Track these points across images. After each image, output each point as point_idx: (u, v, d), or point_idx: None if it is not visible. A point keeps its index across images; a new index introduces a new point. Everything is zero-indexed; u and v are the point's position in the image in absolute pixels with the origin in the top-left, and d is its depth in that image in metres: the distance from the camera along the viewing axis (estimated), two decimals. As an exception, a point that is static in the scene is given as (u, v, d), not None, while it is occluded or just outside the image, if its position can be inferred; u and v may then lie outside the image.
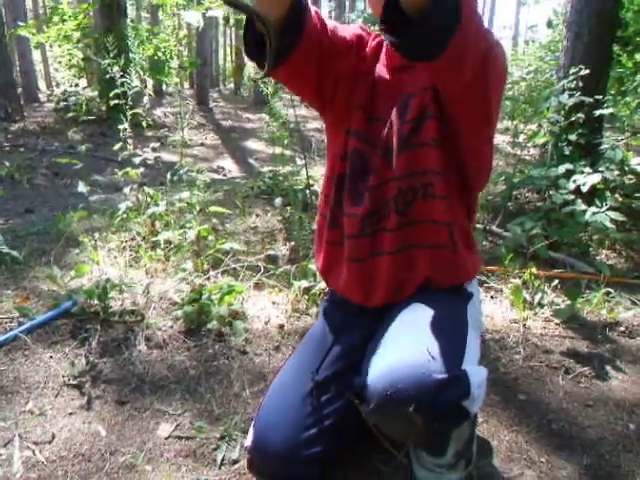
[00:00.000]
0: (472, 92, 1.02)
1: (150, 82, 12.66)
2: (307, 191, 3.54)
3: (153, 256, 2.49)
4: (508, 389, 1.72)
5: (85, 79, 11.86)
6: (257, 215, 3.51)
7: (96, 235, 2.62)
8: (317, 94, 1.24)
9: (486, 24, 0.99)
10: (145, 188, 2.91)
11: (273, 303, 2.23)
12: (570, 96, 3.41)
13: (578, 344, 2.00)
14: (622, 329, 2.12)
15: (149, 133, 7.09)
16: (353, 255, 1.28)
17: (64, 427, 1.48)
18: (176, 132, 7.50)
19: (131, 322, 1.98)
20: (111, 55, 3.41)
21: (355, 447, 1.35)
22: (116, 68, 3.14)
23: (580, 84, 3.41)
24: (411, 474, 1.22)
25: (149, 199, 2.84)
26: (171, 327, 1.97)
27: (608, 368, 1.85)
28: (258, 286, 2.36)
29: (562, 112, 3.49)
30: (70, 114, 7.99)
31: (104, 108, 8.21)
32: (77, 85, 9.75)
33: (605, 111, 3.47)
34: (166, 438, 1.45)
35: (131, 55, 8.24)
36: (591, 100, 3.35)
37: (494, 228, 3.23)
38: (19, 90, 9.20)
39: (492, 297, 2.38)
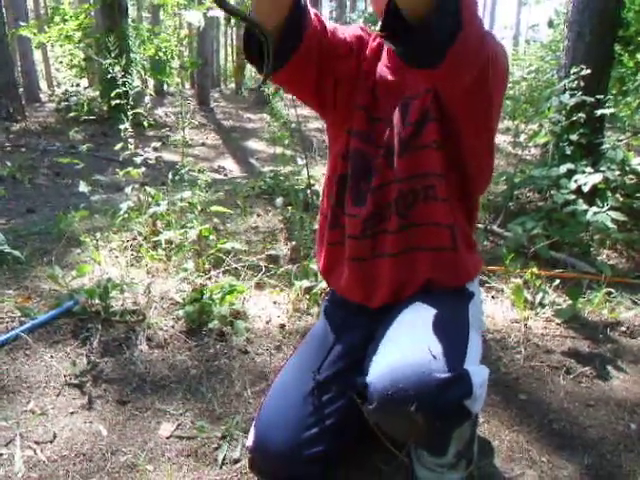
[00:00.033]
0: (473, 95, 1.02)
1: (151, 82, 12.68)
2: (308, 191, 3.54)
3: (154, 256, 2.49)
4: (509, 389, 1.72)
5: (86, 79, 11.86)
6: (258, 215, 3.51)
7: (97, 235, 2.62)
8: (316, 96, 1.23)
9: (487, 24, 0.99)
10: (146, 188, 2.91)
11: (274, 303, 2.23)
12: (571, 96, 3.41)
13: (579, 344, 2.00)
14: (623, 329, 2.11)
15: (150, 133, 7.09)
16: (354, 255, 1.28)
17: (65, 426, 1.48)
18: (177, 132, 7.49)
19: (132, 322, 1.98)
20: (112, 55, 3.41)
21: (356, 447, 1.35)
22: (117, 68, 3.15)
23: (581, 84, 3.41)
24: (412, 474, 1.22)
25: (150, 199, 2.84)
26: (172, 327, 1.98)
27: (609, 368, 1.85)
28: (259, 286, 2.36)
29: (563, 112, 3.49)
30: (71, 114, 7.98)
31: (105, 108, 8.22)
32: (78, 85, 9.76)
33: (606, 111, 3.47)
34: (167, 438, 1.45)
35: (132, 55, 8.24)
36: (592, 100, 3.35)
37: (495, 228, 3.23)
38: (20, 90, 9.21)
39: (493, 297, 2.38)
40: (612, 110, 3.59)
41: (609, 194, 3.21)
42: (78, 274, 2.17)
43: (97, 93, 8.94)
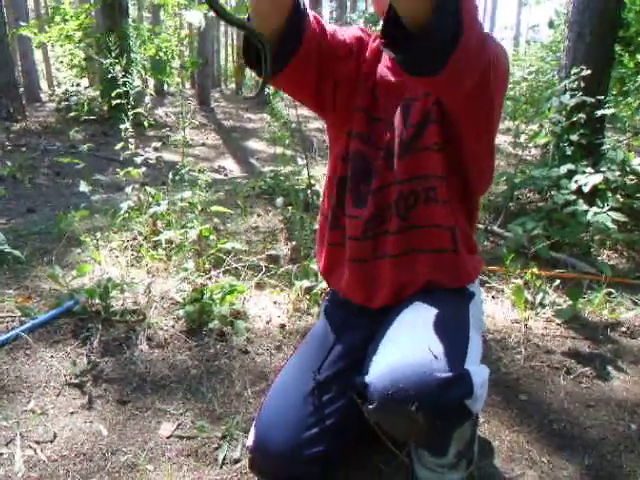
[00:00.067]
0: (474, 100, 1.02)
1: (152, 82, 12.69)
2: (308, 191, 3.54)
3: (155, 256, 2.49)
4: (509, 389, 1.72)
5: (87, 79, 11.85)
6: (258, 215, 3.51)
7: (98, 235, 2.63)
8: (316, 98, 1.23)
9: (487, 25, 0.99)
10: (147, 188, 2.92)
11: (274, 303, 2.23)
12: (572, 96, 3.41)
13: (579, 344, 2.00)
14: (623, 329, 2.11)
15: (151, 133, 7.10)
16: (354, 256, 1.28)
17: (65, 426, 1.48)
18: (177, 132, 7.49)
19: (132, 321, 1.98)
20: (113, 55, 3.41)
21: (357, 447, 1.35)
22: (118, 68, 3.15)
23: (582, 84, 3.41)
24: (412, 474, 1.22)
25: (151, 199, 2.85)
26: (172, 327, 1.98)
27: (609, 368, 1.85)
28: (259, 286, 2.36)
29: (564, 112, 3.49)
30: (72, 114, 7.98)
31: (106, 108, 8.23)
32: (79, 85, 9.76)
33: (607, 111, 3.47)
34: (167, 437, 1.45)
35: (133, 55, 8.25)
36: (593, 100, 3.35)
37: (495, 228, 3.23)
38: (21, 90, 9.22)
39: (493, 297, 2.38)
40: (612, 110, 3.59)
41: (609, 194, 3.21)
42: (78, 274, 2.17)
43: (97, 93, 8.94)
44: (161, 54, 9.88)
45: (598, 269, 2.56)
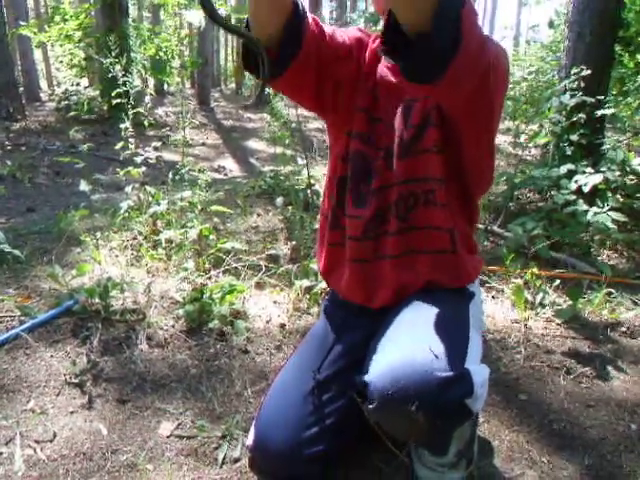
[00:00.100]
0: (474, 103, 1.02)
1: (151, 82, 12.69)
2: (308, 191, 3.54)
3: (154, 255, 2.49)
4: (509, 389, 1.72)
5: (86, 78, 11.86)
6: (258, 214, 3.51)
7: (98, 234, 2.63)
8: (316, 100, 1.23)
9: (487, 24, 0.99)
10: (147, 187, 2.91)
11: (274, 302, 2.23)
12: (572, 96, 3.41)
13: (579, 344, 2.00)
14: (623, 329, 2.11)
15: (151, 132, 7.09)
16: (355, 256, 1.28)
17: (65, 426, 1.48)
18: (177, 131, 7.49)
19: (132, 321, 1.98)
20: (113, 54, 3.41)
21: (356, 446, 1.35)
22: (118, 67, 3.14)
23: (582, 84, 3.41)
24: (412, 473, 1.22)
25: (150, 198, 2.85)
26: (172, 326, 1.98)
27: (609, 368, 1.85)
28: (259, 285, 2.36)
29: (564, 112, 3.49)
30: (72, 113, 8.00)
31: (105, 107, 8.23)
32: (78, 84, 9.76)
33: (607, 111, 3.47)
34: (167, 437, 1.45)
35: (133, 55, 8.25)
36: (593, 100, 3.35)
37: (495, 228, 3.23)
38: (21, 89, 9.22)
39: (493, 297, 2.38)
40: (612, 110, 3.59)
41: (609, 194, 3.21)
42: (78, 273, 2.17)
43: (97, 92, 8.94)
44: (161, 54, 9.88)
45: (598, 269, 2.56)
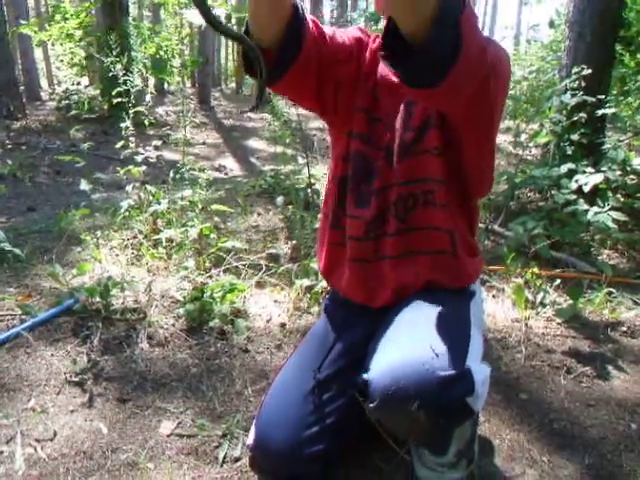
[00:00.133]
0: (474, 106, 1.01)
1: (152, 81, 12.68)
2: (309, 190, 3.54)
3: (155, 254, 2.49)
4: (510, 388, 1.72)
5: (87, 77, 11.87)
6: (259, 214, 3.51)
7: (98, 233, 2.63)
8: (317, 102, 1.23)
9: (488, 23, 0.98)
10: (147, 186, 2.91)
11: (275, 301, 2.23)
12: (572, 96, 3.40)
13: (580, 344, 2.00)
14: (624, 329, 2.11)
15: (151, 131, 7.09)
16: (355, 256, 1.28)
17: (66, 424, 1.48)
18: (178, 131, 7.50)
19: (133, 320, 1.98)
20: (113, 53, 3.41)
21: (357, 445, 1.35)
22: (118, 66, 3.15)
23: (582, 84, 3.40)
24: (412, 473, 1.22)
25: (151, 197, 2.84)
26: (173, 325, 1.98)
27: (610, 368, 1.85)
28: (260, 284, 2.36)
29: (564, 112, 3.48)
30: (72, 112, 8.00)
31: (106, 106, 8.22)
32: (79, 83, 9.76)
33: (607, 111, 3.46)
34: (168, 436, 1.45)
35: (133, 54, 8.24)
36: (593, 100, 3.35)
37: (496, 227, 3.23)
38: (21, 88, 9.21)
39: (494, 296, 2.37)
40: (613, 110, 3.59)
41: (610, 194, 3.21)
42: (79, 272, 2.17)
43: (98, 92, 8.94)
44: (162, 53, 9.87)
45: (598, 269, 2.56)
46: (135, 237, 2.72)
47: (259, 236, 3.08)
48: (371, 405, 1.00)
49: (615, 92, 4.41)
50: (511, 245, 2.78)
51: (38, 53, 17.08)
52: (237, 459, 1.37)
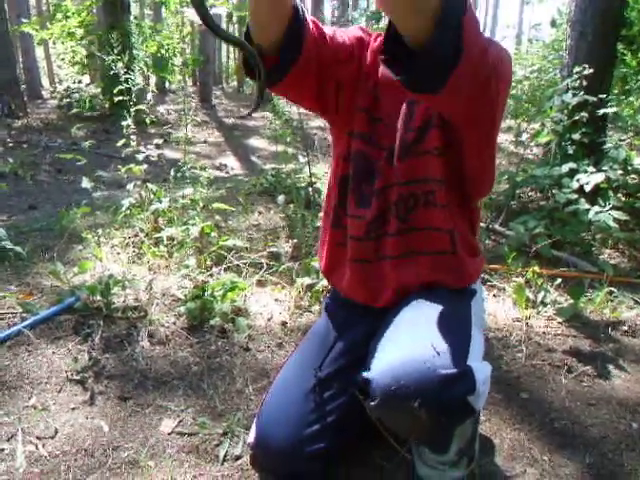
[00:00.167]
0: (475, 109, 1.01)
1: (153, 79, 12.69)
2: (310, 188, 3.54)
3: (156, 252, 2.49)
4: (510, 387, 1.72)
5: (88, 76, 11.86)
6: (260, 212, 3.51)
7: (99, 231, 2.63)
8: (318, 102, 1.22)
9: (489, 23, 0.98)
10: (148, 185, 2.92)
11: (276, 300, 2.23)
12: (574, 95, 3.40)
13: (581, 343, 2.00)
14: (625, 328, 2.11)
15: (152, 130, 7.10)
16: (356, 256, 1.28)
17: (67, 422, 1.48)
18: (179, 129, 7.51)
19: (134, 318, 1.98)
20: (115, 52, 3.41)
21: (358, 444, 1.35)
22: (120, 65, 3.15)
23: (584, 83, 3.40)
24: (413, 471, 1.22)
25: (152, 196, 2.85)
26: (174, 323, 1.98)
27: (611, 367, 1.85)
28: (261, 283, 2.36)
29: (565, 111, 3.48)
30: (73, 111, 8.01)
31: (107, 105, 8.22)
32: (80, 82, 9.77)
33: (609, 110, 3.46)
34: (169, 434, 1.45)
35: (135, 52, 8.23)
36: (595, 99, 3.34)
37: (497, 227, 3.23)
38: (22, 87, 9.21)
39: (495, 296, 2.38)
40: (614, 109, 3.58)
41: (611, 193, 3.20)
42: (80, 270, 2.17)
43: (99, 90, 8.94)
44: (163, 51, 9.88)
45: (599, 268, 2.56)
46: (136, 235, 2.72)
47: (260, 235, 3.08)
48: (372, 403, 1.00)
49: (616, 91, 4.40)
50: (512, 244, 2.78)
51: (39, 51, 17.06)
52: (238, 457, 1.37)
